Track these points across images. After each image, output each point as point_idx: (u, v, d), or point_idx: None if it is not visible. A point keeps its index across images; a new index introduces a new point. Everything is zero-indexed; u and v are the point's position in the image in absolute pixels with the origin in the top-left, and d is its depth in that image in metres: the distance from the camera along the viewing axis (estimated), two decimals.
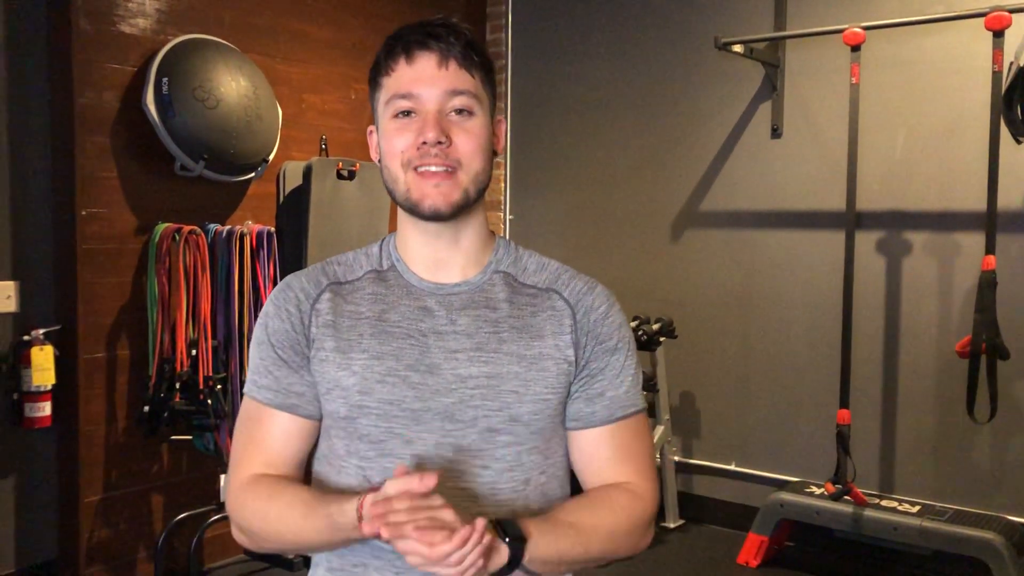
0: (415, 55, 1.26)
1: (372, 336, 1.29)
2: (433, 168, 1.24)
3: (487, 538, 1.09)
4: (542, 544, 1.16)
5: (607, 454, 1.29)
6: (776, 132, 4.32)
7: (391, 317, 1.29)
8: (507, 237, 1.37)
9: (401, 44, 1.28)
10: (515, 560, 1.14)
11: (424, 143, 1.23)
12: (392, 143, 1.26)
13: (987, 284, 3.31)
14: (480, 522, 1.07)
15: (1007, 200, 3.67)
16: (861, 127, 3.83)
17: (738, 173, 4.48)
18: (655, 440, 4.42)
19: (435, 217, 1.26)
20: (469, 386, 1.25)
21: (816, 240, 4.20)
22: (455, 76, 1.25)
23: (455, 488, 1.25)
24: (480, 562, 1.08)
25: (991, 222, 3.36)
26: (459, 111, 1.26)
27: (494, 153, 1.32)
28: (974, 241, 3.70)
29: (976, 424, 3.47)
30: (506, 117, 5.28)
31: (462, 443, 1.26)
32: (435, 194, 1.24)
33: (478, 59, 1.28)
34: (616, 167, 4.88)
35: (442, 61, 1.25)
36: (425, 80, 1.25)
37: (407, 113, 1.26)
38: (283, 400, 1.31)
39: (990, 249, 3.35)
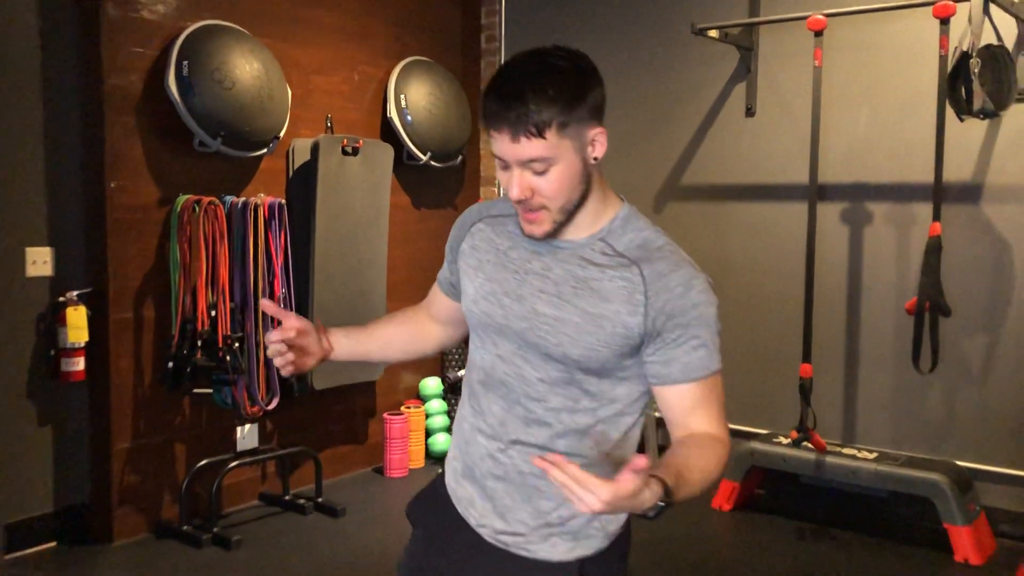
0: (495, 130, 1.45)
1: (493, 264, 1.62)
2: (527, 212, 1.51)
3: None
4: (682, 486, 1.38)
5: (686, 406, 1.50)
6: (750, 111, 4.64)
7: (512, 254, 1.60)
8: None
9: (486, 114, 1.46)
10: (666, 502, 1.38)
11: (517, 198, 1.49)
12: (501, 180, 1.54)
13: (932, 249, 3.66)
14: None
15: (954, 173, 4.02)
16: (827, 106, 4.17)
17: (715, 150, 4.81)
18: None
19: (539, 238, 1.55)
20: (540, 320, 1.53)
21: (785, 211, 4.54)
22: (526, 147, 1.42)
23: (531, 403, 1.56)
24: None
25: (937, 193, 3.70)
26: (538, 171, 1.45)
27: (591, 164, 1.51)
28: (928, 211, 4.03)
29: (920, 374, 3.83)
30: None
31: (534, 361, 1.55)
32: (529, 227, 1.52)
33: (546, 122, 1.41)
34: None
35: (514, 137, 1.42)
36: (506, 151, 1.46)
37: (504, 166, 1.50)
38: (441, 279, 1.85)
39: (936, 217, 3.70)
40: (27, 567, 3.64)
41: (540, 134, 1.41)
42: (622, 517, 1.62)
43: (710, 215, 4.85)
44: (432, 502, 1.72)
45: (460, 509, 1.65)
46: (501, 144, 1.45)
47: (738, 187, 4.75)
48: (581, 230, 1.55)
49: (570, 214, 1.52)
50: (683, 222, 4.93)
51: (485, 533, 1.61)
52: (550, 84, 1.41)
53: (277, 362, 1.69)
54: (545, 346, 1.53)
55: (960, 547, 3.81)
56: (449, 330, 1.91)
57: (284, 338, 1.69)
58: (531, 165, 1.44)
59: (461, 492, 1.65)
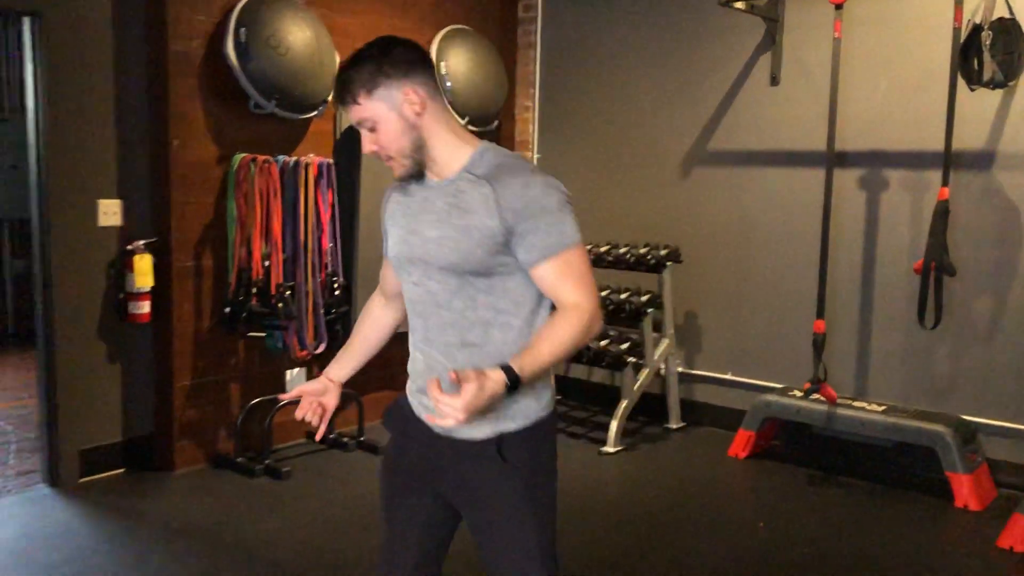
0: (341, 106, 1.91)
1: (401, 215, 1.97)
2: (384, 161, 1.91)
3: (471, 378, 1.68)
4: (526, 363, 1.75)
5: (553, 282, 1.84)
6: (774, 81, 4.84)
7: (411, 203, 1.96)
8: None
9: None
10: (513, 379, 1.73)
11: (374, 153, 1.91)
12: None
13: (940, 212, 3.87)
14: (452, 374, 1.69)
15: (967, 141, 4.21)
16: (847, 77, 4.37)
17: (740, 117, 5.02)
18: (659, 353, 5.05)
19: (406, 181, 1.95)
20: (430, 242, 1.89)
21: (806, 177, 4.74)
22: (353, 112, 1.86)
23: (441, 311, 1.92)
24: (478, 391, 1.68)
25: (947, 159, 3.90)
26: (368, 128, 1.87)
27: (413, 118, 1.85)
28: (941, 177, 4.24)
29: (924, 330, 4.05)
30: (535, 70, 5.84)
31: (441, 278, 1.89)
32: (394, 171, 1.92)
33: (357, 91, 1.83)
34: (632, 112, 5.45)
35: (344, 106, 1.88)
36: (349, 118, 1.91)
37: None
38: (384, 251, 2.08)
39: (945, 182, 3.90)
40: (98, 490, 4.01)
41: (355, 100, 1.83)
42: (543, 403, 1.92)
43: (735, 179, 5.07)
44: (399, 412, 2.06)
45: (416, 413, 1.99)
46: (346, 114, 1.91)
47: (762, 153, 4.96)
48: (448, 169, 1.90)
49: (415, 156, 1.88)
50: (709, 185, 5.16)
51: (433, 426, 1.94)
52: (352, 67, 1.84)
53: (315, 422, 2.07)
54: (437, 261, 1.88)
55: (960, 494, 4.05)
56: (399, 301, 2.12)
57: (308, 408, 2.07)
58: (364, 126, 1.86)
59: (414, 399, 2.01)
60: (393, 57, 1.84)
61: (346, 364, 2.17)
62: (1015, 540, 3.58)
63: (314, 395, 2.07)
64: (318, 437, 2.15)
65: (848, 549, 3.56)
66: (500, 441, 1.87)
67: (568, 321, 1.80)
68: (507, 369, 1.71)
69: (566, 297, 1.83)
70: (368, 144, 1.89)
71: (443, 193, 1.89)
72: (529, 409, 1.89)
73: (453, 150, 1.89)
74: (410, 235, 1.93)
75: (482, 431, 1.87)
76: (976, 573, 3.41)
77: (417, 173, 1.90)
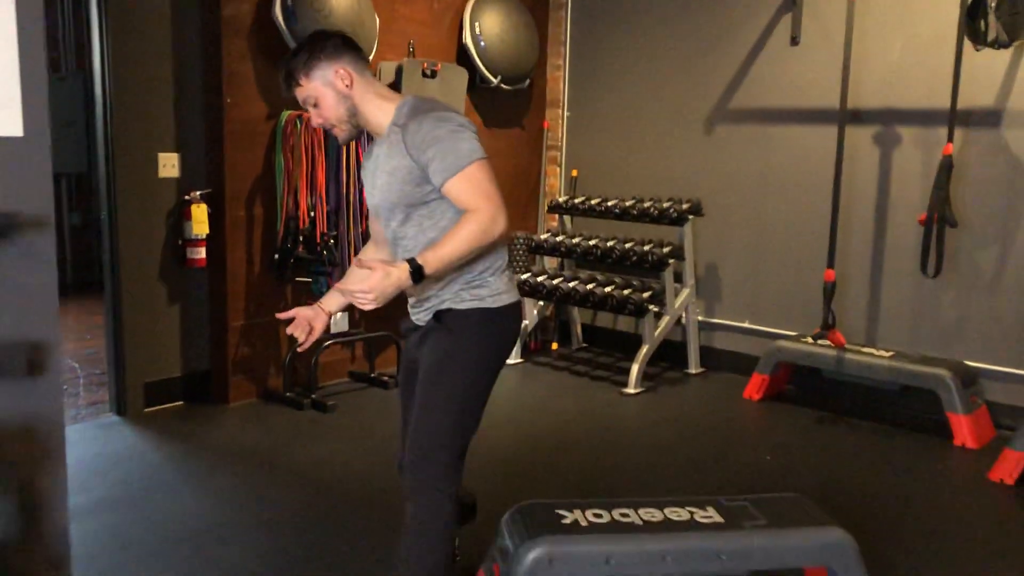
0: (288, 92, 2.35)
1: (368, 172, 2.43)
2: (330, 132, 2.37)
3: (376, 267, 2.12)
4: (429, 256, 2.15)
5: (455, 195, 2.20)
6: (795, 41, 5.04)
7: (369, 161, 2.42)
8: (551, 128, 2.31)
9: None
10: (416, 269, 2.12)
11: (319, 125, 2.37)
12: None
13: (944, 167, 4.08)
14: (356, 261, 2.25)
15: (976, 99, 4.40)
16: (864, 37, 4.56)
17: (761, 76, 5.23)
18: (680, 301, 5.32)
19: (347, 143, 2.48)
20: (380, 188, 2.33)
21: (823, 133, 4.95)
22: (299, 94, 2.31)
23: (405, 240, 2.35)
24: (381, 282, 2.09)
25: (952, 116, 4.10)
26: (312, 104, 2.31)
27: (345, 90, 2.28)
28: (955, 134, 4.43)
29: (927, 278, 4.28)
30: (565, 29, 6.07)
31: (394, 215, 2.33)
32: (338, 139, 2.38)
33: (298, 75, 2.28)
34: (658, 71, 5.67)
35: (290, 90, 2.32)
36: (297, 100, 2.34)
37: (305, 109, 2.37)
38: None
39: (950, 138, 4.11)
40: (161, 419, 4.41)
41: (298, 83, 2.29)
42: (496, 301, 2.33)
43: (756, 136, 5.29)
44: (405, 322, 2.51)
45: (414, 320, 2.46)
46: (294, 93, 2.33)
47: (781, 111, 5.18)
48: (381, 127, 2.32)
49: (352, 121, 2.32)
50: (731, 141, 5.39)
51: (416, 322, 2.44)
52: (292, 59, 2.30)
53: (301, 338, 2.47)
54: (386, 202, 2.34)
55: (959, 433, 4.31)
56: (385, 247, 2.52)
57: (298, 327, 2.48)
58: (308, 103, 2.32)
59: (409, 310, 2.48)
60: (323, 46, 2.29)
61: (337, 299, 2.52)
62: (1005, 473, 3.84)
63: (305, 319, 2.46)
64: (301, 349, 2.52)
65: (849, 480, 3.85)
66: (444, 313, 2.31)
67: (467, 222, 2.16)
68: (411, 261, 2.13)
69: (468, 205, 2.18)
70: (315, 119, 2.34)
71: (382, 147, 2.33)
72: (479, 299, 2.31)
73: (382, 110, 2.31)
74: (372, 187, 2.40)
75: (440, 309, 2.34)
76: (968, 503, 3.68)
77: (356, 135, 2.37)
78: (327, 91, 2.28)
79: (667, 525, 2.54)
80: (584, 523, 2.53)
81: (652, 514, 2.60)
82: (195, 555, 3.01)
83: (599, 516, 2.58)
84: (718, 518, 2.60)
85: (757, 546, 2.51)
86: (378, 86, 2.35)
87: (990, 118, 4.43)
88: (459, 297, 2.32)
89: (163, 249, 4.47)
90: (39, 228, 2.27)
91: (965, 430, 4.30)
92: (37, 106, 2.25)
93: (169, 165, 4.44)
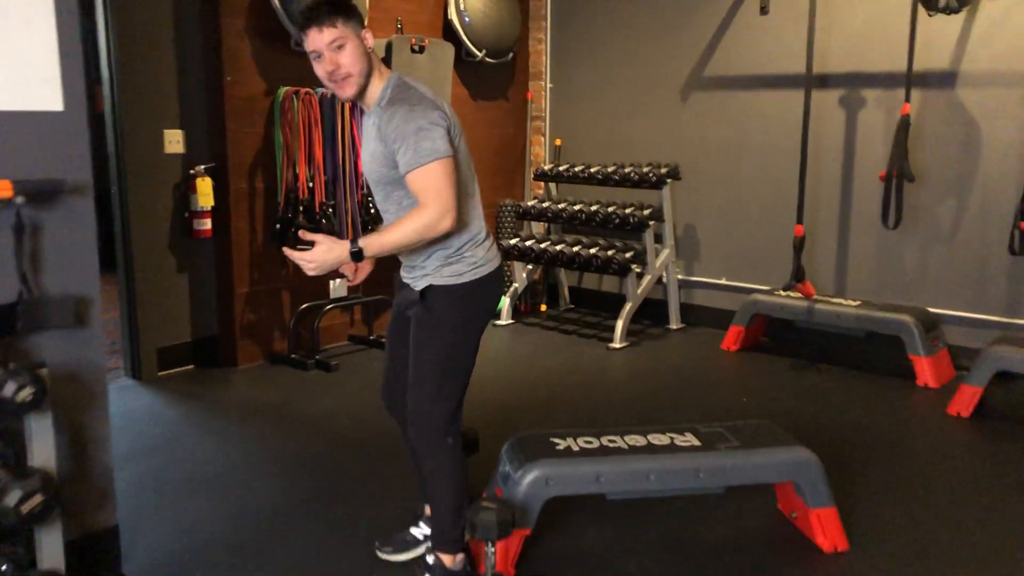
0: (309, 31, 2.35)
1: (364, 138, 2.58)
2: (338, 82, 2.39)
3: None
4: (371, 240, 2.34)
5: (411, 188, 2.36)
6: (764, 10, 5.28)
7: (363, 131, 2.57)
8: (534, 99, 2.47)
9: (303, 24, 2.38)
10: (356, 250, 2.31)
11: (329, 73, 2.37)
12: (316, 71, 2.40)
13: (902, 126, 4.38)
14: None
15: (934, 62, 4.70)
16: (830, 6, 4.85)
17: (733, 45, 5.51)
18: (660, 261, 5.62)
19: (349, 100, 2.45)
20: (367, 165, 2.52)
21: (791, 98, 5.23)
22: (328, 34, 2.32)
23: (388, 214, 2.56)
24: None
25: (908, 78, 4.40)
26: (337, 47, 2.33)
27: (368, 48, 2.39)
28: (914, 96, 4.72)
29: (887, 229, 4.60)
30: (546, 5, 6.32)
31: (378, 190, 2.52)
32: (341, 92, 2.41)
33: (337, 14, 2.32)
34: (636, 42, 5.93)
35: (318, 30, 2.33)
36: (317, 42, 2.34)
37: (318, 56, 2.37)
38: None
39: (907, 99, 4.40)
40: (174, 381, 4.67)
41: (334, 23, 2.32)
42: (474, 273, 2.51)
43: (729, 102, 5.57)
44: (397, 280, 2.69)
45: (404, 279, 2.65)
46: (313, 38, 2.34)
47: (753, 77, 5.46)
48: (371, 100, 2.44)
49: (363, 80, 2.39)
50: (705, 108, 5.67)
51: (406, 282, 2.62)
52: (331, 2, 2.34)
53: (350, 274, 2.69)
54: (371, 176, 2.52)
55: (921, 374, 4.64)
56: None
57: (350, 268, 2.69)
58: (333, 45, 2.32)
59: (401, 270, 2.67)
60: (356, 10, 2.41)
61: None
62: (961, 406, 4.18)
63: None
64: (351, 284, 2.74)
65: (819, 417, 4.17)
66: (426, 290, 2.52)
67: (413, 218, 2.35)
68: (353, 242, 2.34)
69: (420, 200, 2.36)
70: (327, 63, 2.34)
71: (370, 121, 2.49)
72: (457, 274, 2.50)
73: (377, 84, 2.44)
74: (364, 159, 2.56)
75: (423, 284, 2.53)
76: (926, 433, 4.01)
77: (359, 95, 2.42)
78: (357, 42, 2.35)
79: (650, 448, 2.85)
80: (576, 448, 2.83)
81: (637, 440, 2.90)
82: (222, 494, 3.30)
83: (589, 443, 2.88)
84: (696, 442, 2.91)
85: (731, 465, 2.82)
86: (379, 59, 2.49)
87: (945, 80, 4.73)
88: (439, 272, 2.50)
89: (171, 221, 4.71)
90: (80, 193, 2.53)
91: (927, 371, 4.62)
92: (75, 84, 2.51)
93: (174, 141, 4.67)
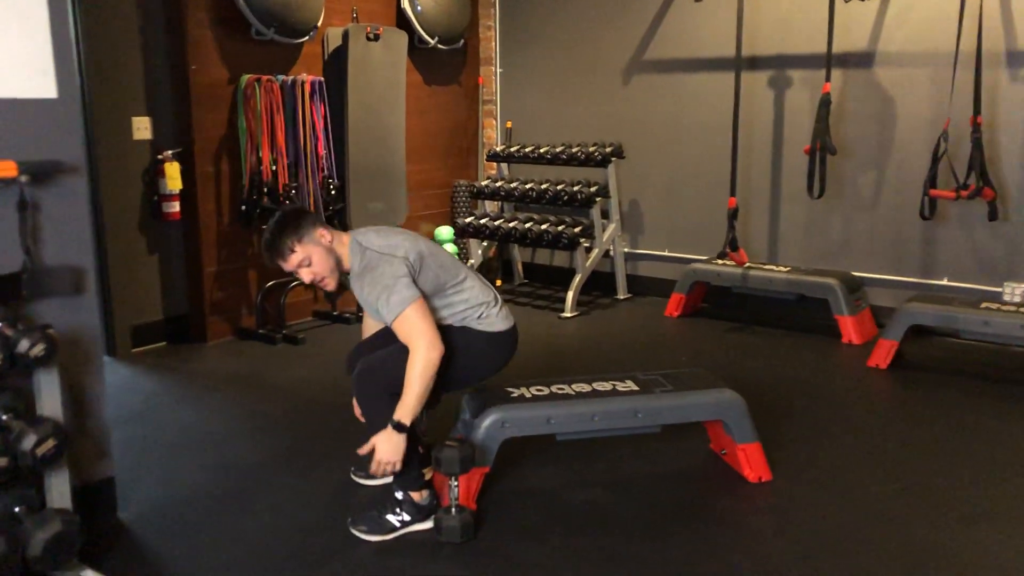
0: (278, 263, 2.90)
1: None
2: (321, 284, 2.90)
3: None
4: (401, 412, 2.71)
5: (399, 336, 2.78)
6: None
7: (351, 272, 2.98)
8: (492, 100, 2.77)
9: (270, 260, 2.93)
10: (397, 426, 2.70)
11: (311, 281, 2.90)
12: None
13: (824, 103, 4.78)
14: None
15: (853, 43, 5.10)
16: None
17: (670, 30, 5.87)
18: (607, 235, 5.97)
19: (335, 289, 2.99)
20: (364, 303, 2.94)
21: (725, 79, 5.59)
22: (293, 260, 2.84)
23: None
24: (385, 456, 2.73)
25: (828, 59, 4.79)
26: (306, 265, 2.84)
27: (328, 244, 2.86)
28: (836, 75, 5.12)
29: (812, 199, 5.00)
30: None
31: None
32: (328, 288, 2.93)
33: (292, 245, 2.82)
34: (581, 27, 6.26)
35: (284, 261, 2.86)
36: (290, 267, 2.88)
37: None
38: None
39: (827, 78, 4.79)
40: (148, 357, 4.91)
41: (292, 251, 2.84)
42: (478, 320, 2.99)
43: (668, 84, 5.93)
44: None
45: None
46: (285, 266, 2.89)
47: (689, 60, 5.82)
48: (346, 265, 2.92)
49: (338, 269, 2.89)
50: (646, 90, 6.02)
51: None
52: (280, 234, 2.85)
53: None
54: (371, 313, 2.98)
55: (846, 332, 5.05)
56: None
57: None
58: (303, 264, 2.85)
59: None
60: (303, 216, 2.87)
61: None
62: (880, 359, 4.59)
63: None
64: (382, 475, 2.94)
65: (751, 372, 4.55)
66: None
67: (410, 367, 2.73)
68: (392, 423, 2.72)
69: (406, 343, 2.76)
70: (307, 276, 2.86)
71: (352, 280, 2.94)
72: (463, 319, 3.00)
73: (344, 254, 2.90)
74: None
75: None
76: (847, 384, 4.42)
77: (342, 279, 2.93)
78: (318, 249, 2.84)
79: (595, 393, 3.19)
80: (528, 396, 3.16)
81: (583, 387, 3.24)
82: (204, 452, 3.58)
83: (540, 390, 3.21)
84: (635, 387, 3.26)
85: (666, 406, 3.18)
86: (340, 235, 2.93)
87: (863, 60, 5.13)
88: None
89: (141, 205, 4.93)
90: (73, 173, 2.79)
91: (851, 329, 5.04)
92: (68, 72, 2.76)
93: (142, 128, 4.89)
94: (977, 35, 4.54)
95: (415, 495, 2.91)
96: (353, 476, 3.22)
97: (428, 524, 2.90)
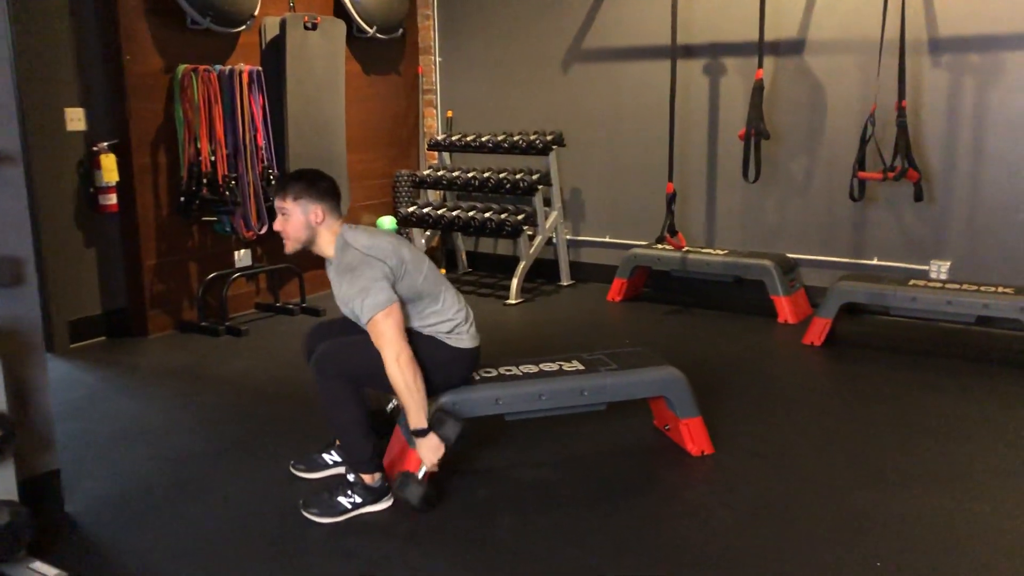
0: (275, 195, 2.97)
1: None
2: (283, 238, 2.98)
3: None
4: (413, 418, 2.85)
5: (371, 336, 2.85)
6: None
7: (329, 265, 3.06)
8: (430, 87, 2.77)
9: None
10: (419, 431, 2.85)
11: (277, 230, 2.98)
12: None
13: (756, 89, 4.91)
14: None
15: (785, 31, 5.24)
16: None
17: (607, 20, 5.95)
18: (550, 223, 6.04)
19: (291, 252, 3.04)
20: (339, 299, 2.96)
21: (662, 67, 5.69)
22: (279, 202, 2.91)
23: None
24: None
25: (760, 46, 4.92)
26: (282, 214, 2.91)
27: (313, 223, 2.91)
28: (768, 62, 5.25)
29: (747, 183, 5.14)
30: None
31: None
32: (286, 246, 2.98)
33: (288, 193, 2.88)
34: (519, 16, 6.31)
35: (278, 197, 2.92)
36: (276, 204, 2.95)
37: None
38: None
39: (760, 65, 4.92)
40: (88, 352, 4.83)
41: (283, 198, 2.91)
42: (441, 331, 3.02)
43: (606, 72, 6.02)
44: None
45: None
46: (276, 201, 2.95)
47: (626, 49, 5.91)
48: (327, 254, 2.97)
49: (304, 244, 2.95)
50: (585, 78, 6.10)
51: None
52: (294, 179, 2.94)
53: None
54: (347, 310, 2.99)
55: (782, 312, 5.21)
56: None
57: None
58: (280, 212, 2.92)
59: None
60: (317, 187, 2.91)
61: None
62: (814, 337, 4.75)
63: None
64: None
65: (691, 352, 4.66)
66: None
67: (391, 377, 2.82)
68: (413, 433, 2.86)
69: (377, 347, 2.83)
70: (277, 224, 2.93)
71: (331, 271, 3.00)
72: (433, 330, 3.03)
73: (328, 240, 2.95)
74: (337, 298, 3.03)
75: None
76: (783, 361, 4.56)
77: (301, 250, 2.98)
78: (300, 216, 2.90)
79: (541, 374, 3.25)
80: (477, 378, 3.21)
81: (530, 368, 3.30)
82: (149, 444, 3.54)
83: (488, 372, 3.26)
84: (580, 367, 3.33)
85: (610, 384, 3.25)
86: (334, 224, 2.96)
87: (795, 47, 5.28)
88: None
89: (76, 198, 4.84)
90: (11, 163, 2.76)
91: (787, 309, 5.19)
92: (2, 63, 2.71)
93: (76, 119, 4.80)
94: (900, 23, 4.71)
95: (367, 478, 2.94)
96: (292, 470, 3.22)
97: (380, 506, 2.94)
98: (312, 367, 2.91)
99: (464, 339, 3.04)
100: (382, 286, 2.80)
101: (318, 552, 2.69)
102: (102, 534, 2.82)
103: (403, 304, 2.90)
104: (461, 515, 2.91)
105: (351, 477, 2.95)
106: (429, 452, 2.86)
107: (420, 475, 2.90)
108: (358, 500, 2.92)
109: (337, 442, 3.20)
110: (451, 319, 3.02)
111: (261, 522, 2.88)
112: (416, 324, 2.99)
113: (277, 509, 2.96)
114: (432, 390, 3.00)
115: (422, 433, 2.84)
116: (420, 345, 2.93)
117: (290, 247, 2.96)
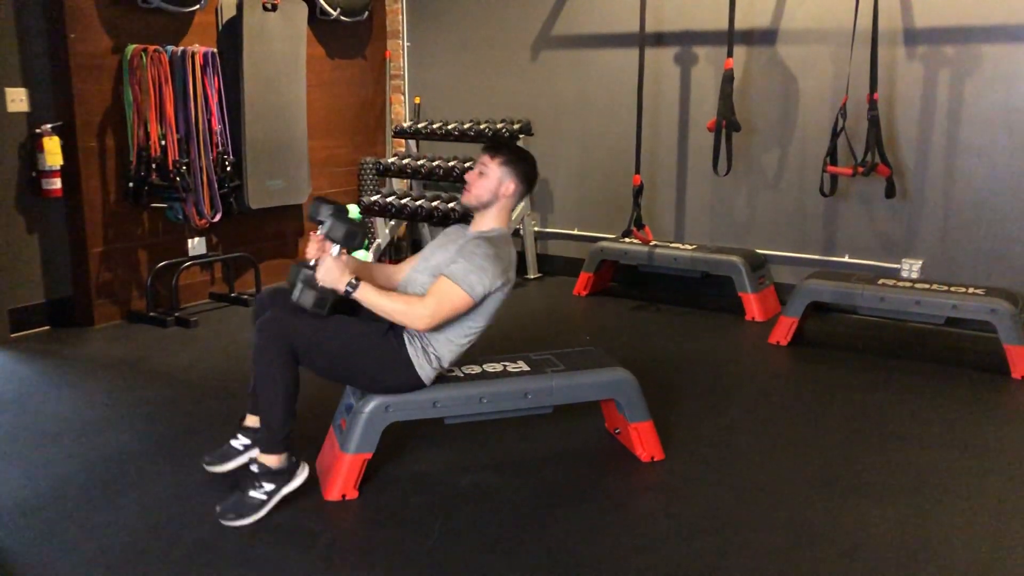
0: (484, 151, 3.04)
1: (441, 237, 3.17)
2: (465, 188, 3.05)
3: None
4: (369, 294, 2.73)
5: (433, 284, 2.83)
6: None
7: (448, 233, 3.18)
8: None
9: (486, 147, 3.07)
10: (350, 287, 2.69)
11: (468, 180, 3.04)
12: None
13: (726, 79, 4.74)
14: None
15: (757, 20, 5.09)
16: None
17: (577, 6, 5.78)
18: (517, 214, 5.88)
19: (464, 208, 3.38)
20: (432, 255, 3.03)
21: (631, 56, 5.52)
22: (485, 159, 3.00)
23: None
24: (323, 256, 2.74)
25: (730, 35, 4.76)
26: (479, 172, 2.97)
27: (501, 194, 2.97)
28: (740, 52, 5.10)
29: (718, 176, 4.98)
30: None
31: (424, 272, 2.97)
32: (463, 197, 3.08)
33: (498, 155, 2.96)
34: (488, 3, 6.12)
35: (488, 153, 3.01)
36: (480, 159, 3.02)
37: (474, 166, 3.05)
38: None
39: (729, 54, 4.76)
40: (29, 343, 4.65)
41: (492, 157, 2.97)
42: (420, 358, 2.89)
43: (576, 60, 5.85)
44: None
45: None
46: (482, 156, 3.00)
47: (595, 36, 5.74)
48: (478, 226, 3.00)
49: (480, 206, 2.97)
50: (554, 66, 5.93)
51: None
52: (508, 146, 3.04)
53: (311, 252, 2.86)
54: (429, 266, 3.00)
55: (750, 309, 5.06)
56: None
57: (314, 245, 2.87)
58: (477, 168, 2.97)
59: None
60: (525, 164, 3.00)
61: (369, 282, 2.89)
62: (780, 336, 4.61)
63: (323, 247, 2.83)
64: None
65: (654, 349, 4.52)
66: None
67: (405, 302, 2.80)
68: (351, 283, 2.73)
69: (426, 296, 2.81)
70: (470, 175, 2.98)
71: (461, 233, 3.04)
72: (412, 350, 2.91)
73: (491, 221, 3.00)
74: (432, 251, 3.05)
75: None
76: (747, 361, 4.42)
77: (472, 211, 3.01)
78: (495, 181, 2.94)
79: (484, 375, 3.10)
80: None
81: (473, 369, 3.15)
82: (75, 442, 3.38)
83: None
84: (525, 367, 3.18)
85: (556, 386, 3.10)
86: (510, 208, 3.03)
87: (767, 37, 5.12)
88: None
89: (17, 181, 4.65)
90: None
91: (754, 307, 5.05)
92: None
93: (17, 100, 4.61)
94: (873, 13, 4.55)
95: (272, 459, 2.78)
96: (205, 466, 3.06)
97: (294, 484, 2.83)
98: (255, 329, 2.77)
99: (431, 373, 2.93)
100: (487, 284, 2.83)
101: (232, 566, 2.53)
102: (6, 545, 2.65)
103: (466, 312, 2.88)
104: (388, 524, 2.76)
105: (255, 468, 2.80)
106: (326, 273, 2.73)
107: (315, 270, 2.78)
108: (270, 487, 2.78)
109: (245, 422, 3.07)
110: (455, 358, 2.97)
111: (177, 532, 2.71)
112: (445, 329, 2.90)
113: (196, 516, 2.80)
114: (363, 386, 2.92)
115: (350, 285, 2.74)
116: (391, 345, 2.84)
117: (467, 199, 2.99)
